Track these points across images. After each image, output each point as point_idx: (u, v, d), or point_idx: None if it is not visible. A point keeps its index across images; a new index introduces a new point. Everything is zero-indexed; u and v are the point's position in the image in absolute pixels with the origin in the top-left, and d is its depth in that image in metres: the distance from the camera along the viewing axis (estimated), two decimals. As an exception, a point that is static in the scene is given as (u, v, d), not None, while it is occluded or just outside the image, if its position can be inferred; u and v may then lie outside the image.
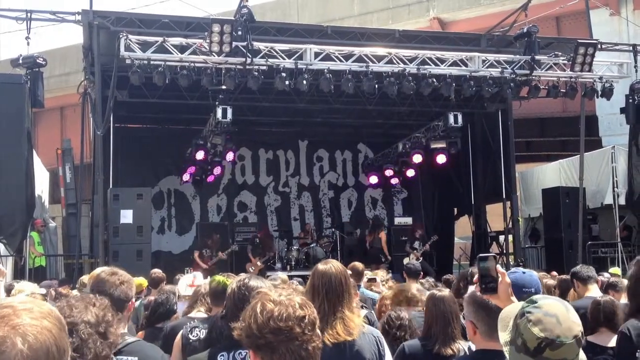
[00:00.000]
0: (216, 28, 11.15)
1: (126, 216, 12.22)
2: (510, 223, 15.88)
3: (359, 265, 7.72)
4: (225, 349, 3.06)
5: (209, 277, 5.83)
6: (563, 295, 6.39)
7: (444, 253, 17.81)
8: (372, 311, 5.69)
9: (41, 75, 12.11)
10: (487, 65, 13.05)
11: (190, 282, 5.76)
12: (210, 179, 16.72)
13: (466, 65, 12.94)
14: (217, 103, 12.81)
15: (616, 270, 10.10)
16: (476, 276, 2.58)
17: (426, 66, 12.63)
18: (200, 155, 14.94)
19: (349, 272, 4.43)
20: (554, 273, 10.02)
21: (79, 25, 12.54)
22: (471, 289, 2.77)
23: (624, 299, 5.27)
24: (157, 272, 8.37)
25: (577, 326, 1.98)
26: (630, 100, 14.31)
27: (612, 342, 4.49)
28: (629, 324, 3.81)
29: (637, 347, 3.66)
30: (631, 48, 14.73)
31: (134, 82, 11.69)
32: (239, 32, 11.48)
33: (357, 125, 18.17)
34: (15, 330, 1.28)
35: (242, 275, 3.36)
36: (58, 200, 19.50)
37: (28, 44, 11.97)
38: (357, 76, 12.44)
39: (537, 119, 22.08)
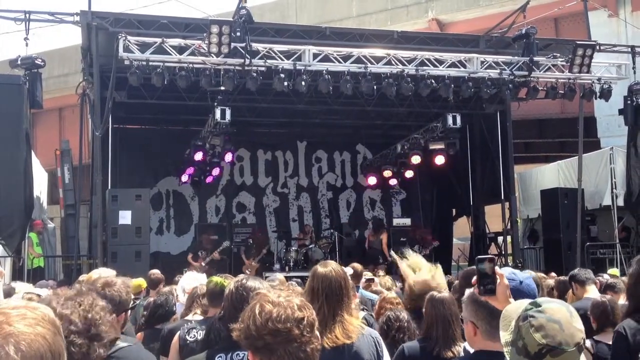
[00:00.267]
0: (215, 29, 11.15)
1: (125, 217, 12.21)
2: (509, 224, 15.87)
3: (357, 266, 7.73)
4: (223, 350, 3.05)
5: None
6: (561, 297, 6.40)
7: (443, 254, 17.78)
8: (372, 313, 5.69)
9: (40, 76, 12.10)
10: (485, 66, 13.06)
11: (189, 288, 5.75)
12: (209, 179, 16.71)
13: (465, 66, 12.94)
14: (215, 104, 12.80)
15: (614, 271, 10.08)
16: (474, 278, 2.57)
17: (425, 67, 12.63)
18: (198, 156, 14.94)
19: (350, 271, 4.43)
20: (553, 274, 10.02)
21: (77, 26, 12.53)
22: (468, 291, 2.75)
23: (622, 300, 5.27)
24: (155, 273, 8.37)
25: (580, 333, 1.96)
26: (629, 102, 14.32)
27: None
28: (625, 323, 3.81)
29: (633, 346, 3.66)
30: (629, 49, 14.75)
31: (133, 83, 11.69)
32: (238, 33, 11.48)
33: (355, 126, 18.17)
34: (8, 340, 1.26)
35: (241, 276, 3.35)
36: (56, 201, 19.47)
37: (27, 44, 11.97)
38: (355, 77, 12.44)
39: (536, 120, 22.07)
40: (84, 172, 15.04)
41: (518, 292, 2.58)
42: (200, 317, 4.55)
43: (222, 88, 12.12)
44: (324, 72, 12.13)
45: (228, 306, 3.14)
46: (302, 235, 17.01)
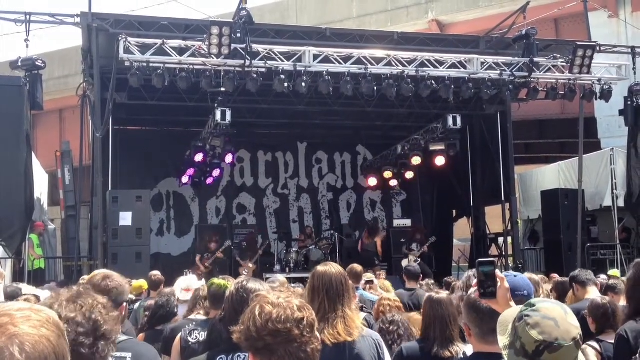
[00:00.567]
0: (215, 30, 11.16)
1: (125, 218, 12.21)
2: (509, 225, 15.87)
3: (357, 267, 7.72)
4: (224, 351, 3.05)
5: (203, 280, 5.83)
6: (560, 298, 6.39)
7: (443, 255, 17.82)
8: (371, 314, 5.70)
9: (40, 78, 12.10)
10: (485, 67, 13.06)
11: (185, 286, 5.77)
12: (209, 181, 16.72)
13: (465, 67, 12.94)
14: (216, 105, 12.80)
15: (615, 272, 10.10)
16: (475, 280, 2.58)
17: (425, 68, 12.63)
18: (199, 157, 14.94)
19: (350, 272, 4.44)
20: (554, 275, 10.01)
21: (78, 28, 12.54)
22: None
23: (622, 302, 5.26)
24: (156, 274, 8.38)
25: (576, 329, 1.98)
26: (629, 103, 14.33)
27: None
28: (627, 326, 3.82)
29: (634, 349, 3.66)
30: (630, 50, 14.75)
31: (133, 85, 11.70)
32: (238, 35, 11.49)
33: (356, 127, 18.18)
34: (12, 340, 1.27)
35: (241, 278, 3.37)
36: (57, 202, 19.48)
37: (27, 46, 11.97)
38: (356, 78, 12.45)
39: (536, 121, 22.08)
40: (84, 173, 15.05)
41: (514, 284, 2.60)
42: (203, 317, 4.57)
43: (223, 89, 12.13)
44: (324, 73, 12.14)
45: (229, 308, 3.15)
46: (303, 236, 17.02)
